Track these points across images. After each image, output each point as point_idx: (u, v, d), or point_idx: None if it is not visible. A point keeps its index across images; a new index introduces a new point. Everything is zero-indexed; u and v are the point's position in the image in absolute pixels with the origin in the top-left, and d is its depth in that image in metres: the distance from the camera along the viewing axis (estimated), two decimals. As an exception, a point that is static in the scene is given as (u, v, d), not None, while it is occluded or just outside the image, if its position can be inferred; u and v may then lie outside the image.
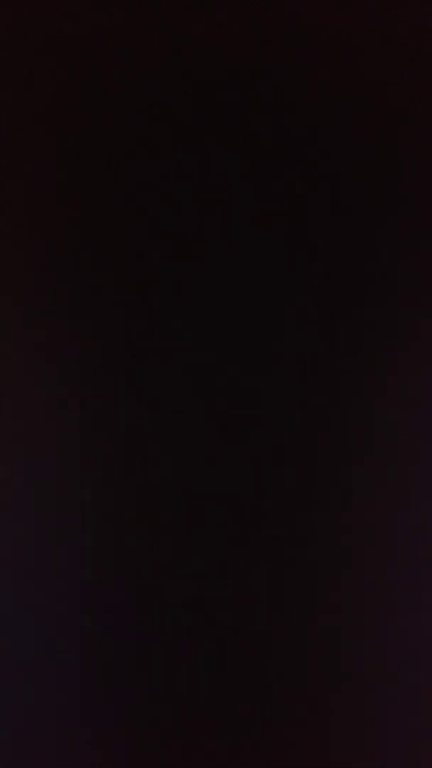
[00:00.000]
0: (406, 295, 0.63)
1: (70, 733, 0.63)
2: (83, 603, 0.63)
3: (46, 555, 0.63)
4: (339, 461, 0.63)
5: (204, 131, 0.64)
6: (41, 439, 0.63)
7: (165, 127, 0.64)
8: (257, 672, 0.63)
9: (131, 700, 0.63)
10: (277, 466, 0.63)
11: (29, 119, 0.64)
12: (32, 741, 0.63)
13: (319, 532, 0.63)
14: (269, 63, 0.64)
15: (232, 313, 0.63)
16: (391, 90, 0.64)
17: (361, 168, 0.64)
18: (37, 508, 0.63)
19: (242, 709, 0.63)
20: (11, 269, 0.64)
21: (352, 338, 0.63)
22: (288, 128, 0.64)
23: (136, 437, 0.63)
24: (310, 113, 0.64)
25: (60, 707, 0.63)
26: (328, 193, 0.64)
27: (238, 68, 0.64)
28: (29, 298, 0.64)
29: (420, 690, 0.62)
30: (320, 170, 0.64)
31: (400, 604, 0.63)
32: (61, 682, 0.63)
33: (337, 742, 0.63)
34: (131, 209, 0.64)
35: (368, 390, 0.63)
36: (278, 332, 0.63)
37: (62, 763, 0.63)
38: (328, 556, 0.63)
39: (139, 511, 0.63)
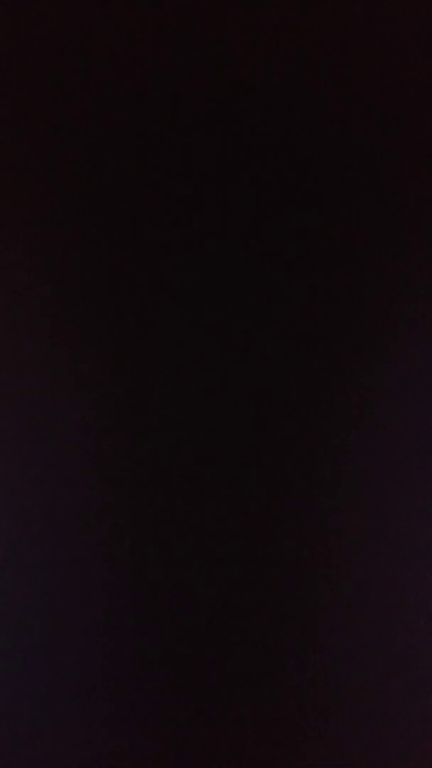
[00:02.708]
0: (404, 287, 0.63)
1: (70, 732, 0.63)
2: (82, 603, 0.63)
3: (45, 553, 0.63)
4: (337, 456, 0.63)
5: (203, 131, 0.64)
6: (42, 434, 0.63)
7: (165, 126, 0.64)
8: (257, 674, 0.63)
9: (130, 700, 0.63)
10: (276, 462, 0.63)
11: (28, 121, 0.65)
12: (31, 741, 0.63)
13: (321, 531, 0.63)
14: (269, 62, 0.64)
15: (231, 303, 0.63)
16: (391, 90, 0.64)
17: (360, 161, 0.64)
18: (36, 505, 0.63)
19: (242, 709, 0.63)
20: (11, 268, 0.64)
21: (350, 331, 0.63)
22: (288, 127, 0.64)
23: (134, 431, 0.63)
24: (311, 114, 0.64)
25: (59, 705, 0.63)
26: (328, 184, 0.64)
27: (237, 68, 0.64)
28: (29, 294, 0.64)
29: (421, 695, 0.62)
30: (320, 164, 0.64)
31: (401, 605, 0.63)
32: (59, 680, 0.63)
33: (337, 743, 0.63)
34: (130, 204, 0.64)
35: (367, 383, 0.63)
36: (276, 323, 0.63)
37: (61, 763, 0.63)
38: (329, 555, 0.63)
39: (138, 510, 0.63)
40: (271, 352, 0.63)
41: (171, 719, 0.63)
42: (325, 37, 0.64)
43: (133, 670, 0.63)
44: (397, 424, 0.63)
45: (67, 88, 0.64)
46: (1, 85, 0.65)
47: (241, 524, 0.63)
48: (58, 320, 0.64)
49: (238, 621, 0.63)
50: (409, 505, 0.63)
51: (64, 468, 0.63)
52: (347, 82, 0.64)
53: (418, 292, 0.63)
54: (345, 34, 0.64)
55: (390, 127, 0.64)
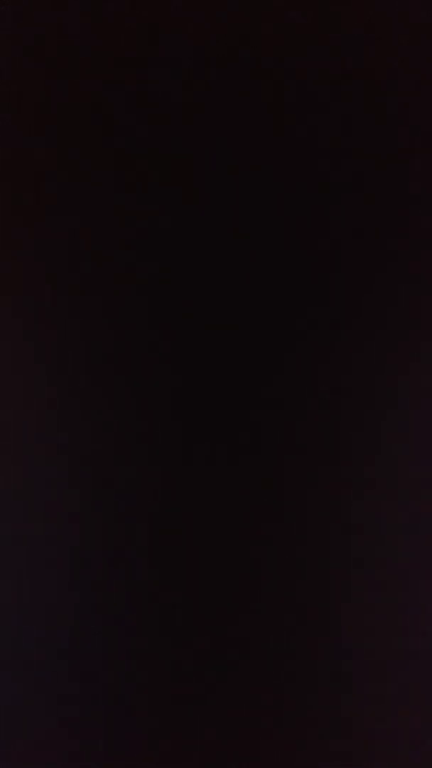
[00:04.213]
0: (409, 304, 0.63)
1: (69, 733, 0.63)
2: (83, 604, 0.63)
3: (45, 555, 0.63)
4: (342, 465, 0.63)
5: (205, 136, 0.64)
6: (39, 442, 0.63)
7: (166, 126, 0.64)
8: (258, 676, 0.63)
9: (131, 702, 0.63)
10: (278, 472, 0.63)
11: (28, 122, 0.64)
12: (31, 741, 0.63)
13: (321, 535, 0.63)
14: (269, 62, 0.64)
15: (235, 318, 0.63)
16: (392, 91, 0.64)
17: (365, 173, 0.64)
18: (34, 508, 0.63)
19: (242, 711, 0.63)
20: (9, 270, 0.64)
21: (355, 346, 0.63)
22: (291, 135, 0.64)
23: (136, 443, 0.63)
24: (313, 117, 0.64)
25: (59, 706, 0.63)
26: (332, 196, 0.64)
27: (237, 67, 0.64)
28: (28, 301, 0.64)
29: (421, 696, 0.63)
30: (323, 175, 0.64)
31: (402, 607, 0.63)
32: (60, 680, 0.63)
33: (337, 744, 0.63)
34: (133, 213, 0.64)
35: (371, 398, 0.63)
36: (283, 340, 0.63)
37: (61, 763, 0.63)
38: (330, 557, 0.63)
39: (139, 514, 0.63)
40: (276, 366, 0.63)
41: (171, 720, 0.63)
42: (326, 37, 0.64)
43: (132, 672, 0.63)
44: (404, 428, 0.63)
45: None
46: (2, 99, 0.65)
47: (241, 526, 0.63)
48: (59, 326, 0.64)
49: (238, 623, 0.63)
50: (413, 508, 0.63)
51: (64, 476, 0.63)
52: (348, 81, 0.64)
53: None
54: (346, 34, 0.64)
55: (392, 129, 0.64)
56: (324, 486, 0.63)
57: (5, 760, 0.63)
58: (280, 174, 0.63)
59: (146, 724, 0.63)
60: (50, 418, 0.63)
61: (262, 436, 0.63)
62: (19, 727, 0.63)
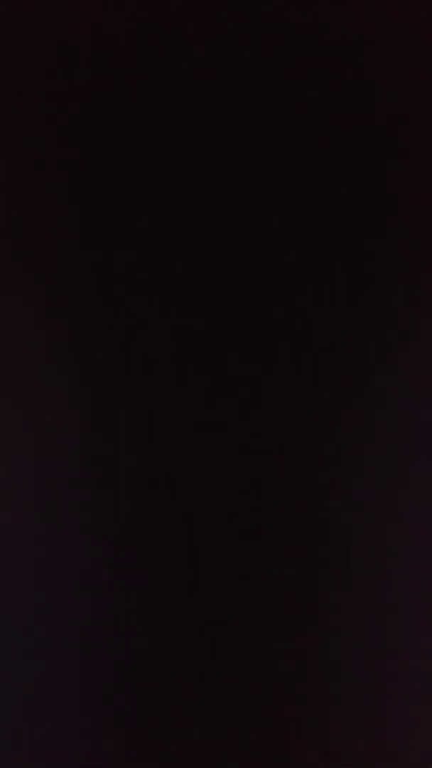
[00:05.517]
0: (406, 294, 0.63)
1: (70, 734, 0.63)
2: (84, 604, 0.63)
3: (46, 555, 0.63)
4: (339, 460, 0.63)
5: (204, 136, 0.64)
6: (41, 435, 0.63)
7: (166, 125, 0.64)
8: (257, 676, 0.63)
9: (131, 702, 0.63)
10: (277, 467, 0.63)
11: (29, 120, 0.65)
12: (32, 741, 0.63)
13: (320, 534, 0.63)
14: (269, 62, 0.64)
15: (234, 309, 0.63)
16: (391, 90, 0.64)
17: (360, 168, 0.64)
18: (36, 506, 0.63)
19: (242, 711, 0.63)
20: (11, 269, 0.64)
21: (353, 335, 0.63)
22: (288, 133, 0.64)
23: (137, 436, 0.63)
24: (311, 116, 0.64)
25: (61, 707, 0.63)
26: (332, 196, 0.64)
27: (237, 67, 0.64)
28: (30, 296, 0.64)
29: (420, 695, 0.62)
30: (320, 171, 0.64)
31: (400, 607, 0.63)
32: (61, 682, 0.63)
33: (336, 744, 0.63)
34: (133, 206, 0.64)
35: (369, 388, 0.63)
36: (280, 329, 0.63)
37: (61, 763, 0.63)
38: (328, 557, 0.63)
39: (139, 511, 0.63)
40: (274, 358, 0.63)
41: (171, 720, 0.63)
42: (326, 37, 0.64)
43: (132, 671, 0.63)
44: (401, 432, 0.63)
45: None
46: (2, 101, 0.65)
47: (240, 526, 0.63)
48: (62, 327, 0.64)
49: (237, 622, 0.63)
50: (412, 508, 0.63)
51: (64, 471, 0.63)
52: (347, 79, 0.64)
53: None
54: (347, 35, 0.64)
55: (390, 128, 0.64)
56: (323, 483, 0.63)
57: (5, 760, 0.63)
58: (279, 173, 0.64)
59: (146, 724, 0.63)
60: (51, 416, 0.63)
61: (261, 433, 0.63)
62: (19, 728, 0.63)
